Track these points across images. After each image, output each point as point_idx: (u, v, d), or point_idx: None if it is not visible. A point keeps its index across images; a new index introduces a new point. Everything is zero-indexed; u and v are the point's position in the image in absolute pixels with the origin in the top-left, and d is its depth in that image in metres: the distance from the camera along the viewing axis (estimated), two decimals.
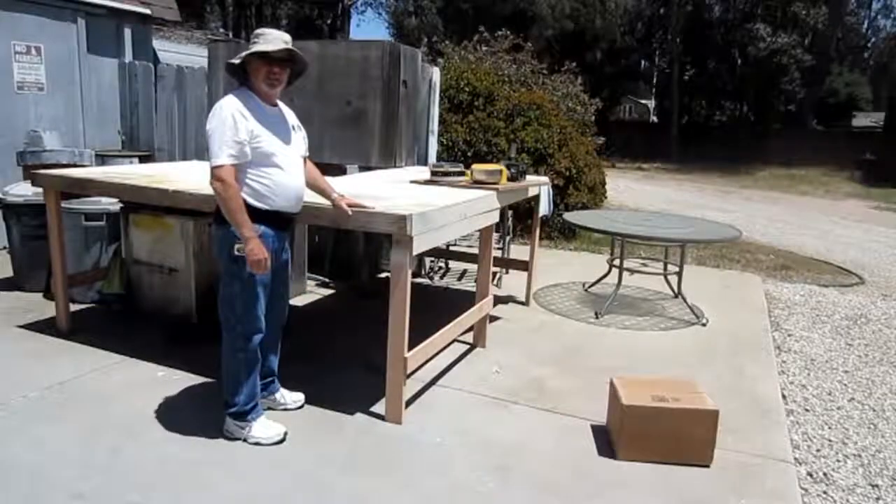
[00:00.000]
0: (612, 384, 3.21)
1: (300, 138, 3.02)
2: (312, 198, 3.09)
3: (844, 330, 5.38)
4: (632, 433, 2.97)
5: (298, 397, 3.31)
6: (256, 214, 2.78)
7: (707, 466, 2.96)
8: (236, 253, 2.75)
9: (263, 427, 2.97)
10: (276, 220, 2.87)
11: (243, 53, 2.79)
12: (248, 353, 2.91)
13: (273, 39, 2.78)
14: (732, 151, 24.85)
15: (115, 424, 3.06)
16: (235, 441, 2.95)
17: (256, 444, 2.93)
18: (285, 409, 3.26)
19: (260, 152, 2.76)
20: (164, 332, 4.19)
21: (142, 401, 3.30)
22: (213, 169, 2.69)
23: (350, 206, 3.02)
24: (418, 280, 5.99)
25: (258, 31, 2.84)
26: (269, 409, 3.23)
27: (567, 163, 8.21)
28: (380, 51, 4.89)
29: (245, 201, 2.75)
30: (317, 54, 4.82)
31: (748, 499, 2.76)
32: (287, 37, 2.83)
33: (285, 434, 2.99)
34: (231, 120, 2.69)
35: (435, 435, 3.12)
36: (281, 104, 2.99)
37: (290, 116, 3.03)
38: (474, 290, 4.29)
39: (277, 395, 3.28)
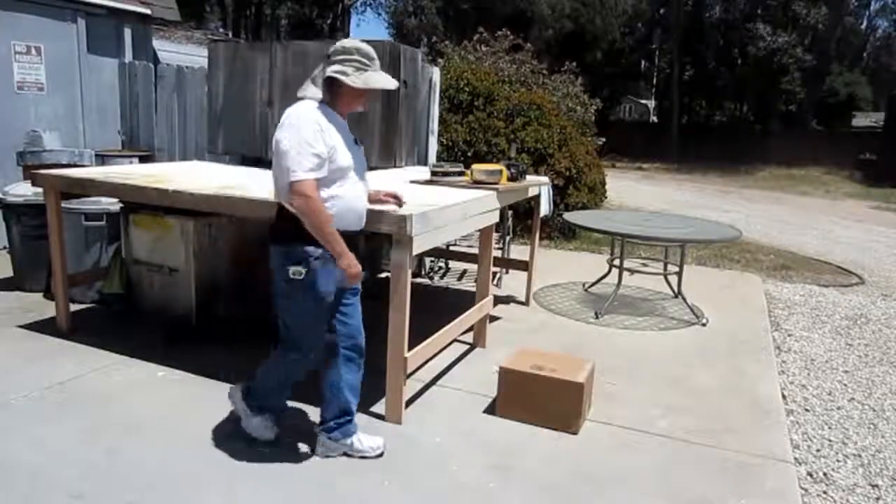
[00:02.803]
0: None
1: (362, 151, 2.83)
2: None
3: (844, 330, 5.38)
4: (506, 394, 3.32)
5: (378, 443, 2.94)
6: None
7: (574, 433, 3.19)
8: (291, 276, 2.56)
9: (262, 427, 2.94)
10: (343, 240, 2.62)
11: (372, 84, 2.62)
12: (299, 364, 2.81)
13: (380, 68, 2.68)
14: (732, 151, 24.86)
15: (115, 424, 3.06)
16: (234, 440, 2.95)
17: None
18: (359, 454, 2.91)
19: (335, 167, 2.56)
20: (164, 332, 4.19)
21: (142, 401, 3.30)
22: (294, 184, 2.45)
23: (389, 195, 2.97)
24: (418, 280, 5.99)
25: (359, 48, 2.64)
26: (346, 455, 2.90)
27: (567, 163, 8.21)
28: (379, 51, 4.88)
29: None
30: (317, 55, 4.82)
31: (748, 499, 2.76)
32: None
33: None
34: (310, 132, 2.48)
35: (435, 435, 3.13)
36: None
37: None
38: (474, 290, 4.29)
39: (354, 440, 2.90)
